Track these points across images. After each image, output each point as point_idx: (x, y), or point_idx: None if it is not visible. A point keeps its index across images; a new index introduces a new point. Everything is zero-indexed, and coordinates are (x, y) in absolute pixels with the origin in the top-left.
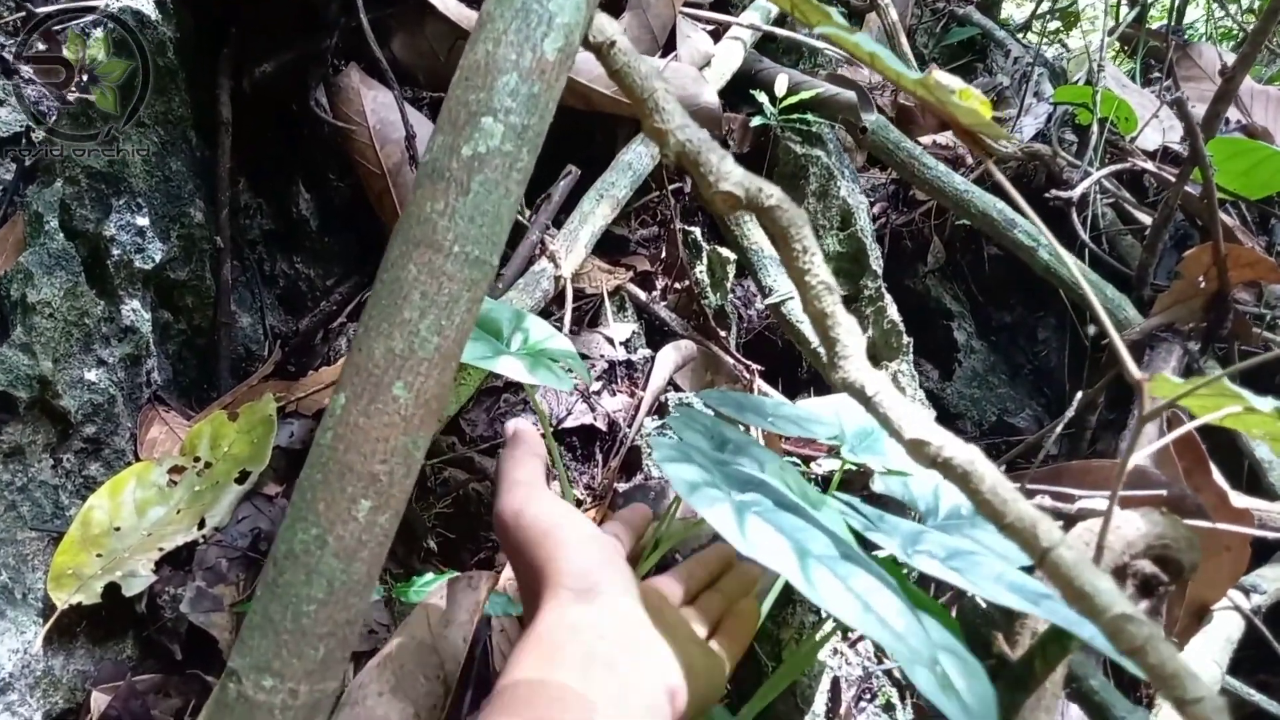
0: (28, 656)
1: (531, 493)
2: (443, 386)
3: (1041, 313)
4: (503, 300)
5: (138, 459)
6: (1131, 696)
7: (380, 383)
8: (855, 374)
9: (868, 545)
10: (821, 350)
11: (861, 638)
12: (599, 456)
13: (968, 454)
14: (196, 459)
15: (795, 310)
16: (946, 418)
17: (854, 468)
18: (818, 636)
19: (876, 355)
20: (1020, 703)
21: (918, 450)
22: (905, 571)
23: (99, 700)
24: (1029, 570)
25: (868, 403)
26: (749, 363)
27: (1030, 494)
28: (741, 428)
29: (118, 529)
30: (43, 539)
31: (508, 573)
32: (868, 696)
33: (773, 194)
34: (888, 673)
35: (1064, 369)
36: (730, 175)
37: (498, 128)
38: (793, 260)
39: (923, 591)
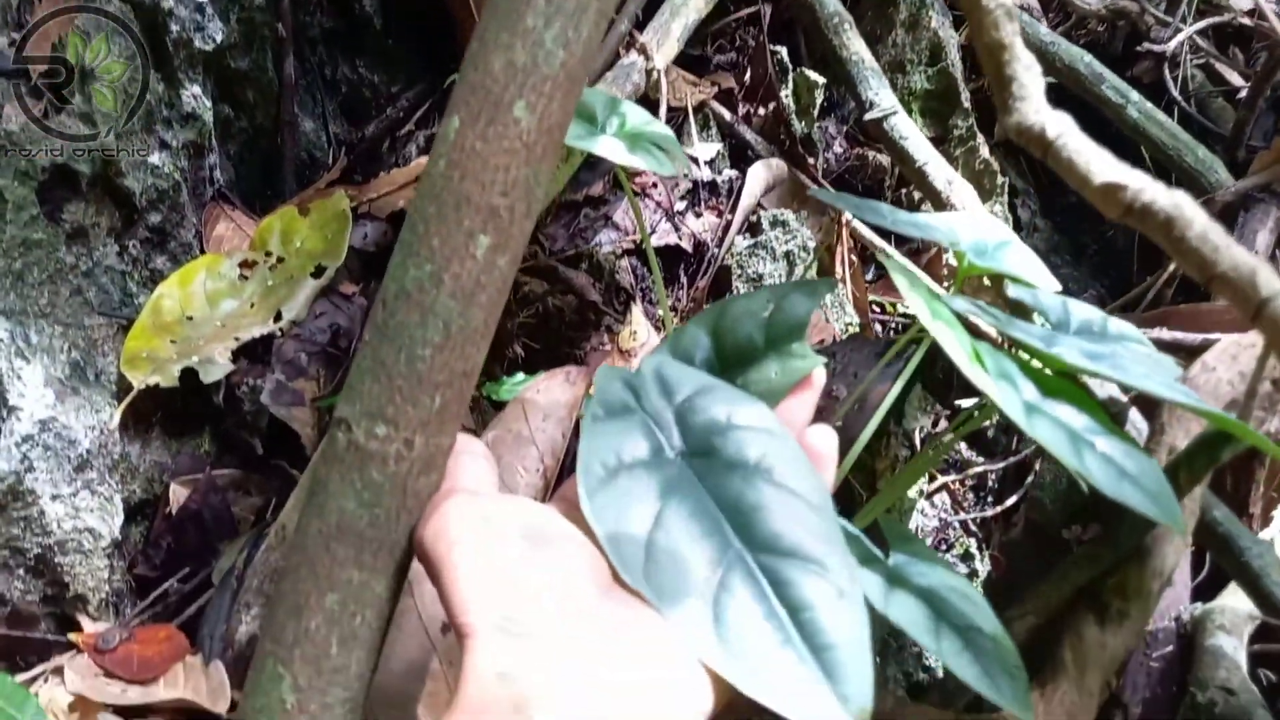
0: (104, 436)
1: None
2: (566, 114)
3: None
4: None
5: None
6: None
7: (500, 101)
8: (1034, 115)
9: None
10: (994, 91)
11: (938, 490)
12: (683, 279)
13: (1171, 197)
14: (268, 254)
15: (900, 125)
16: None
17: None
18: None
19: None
20: None
21: (1110, 198)
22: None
23: (178, 493)
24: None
25: (1048, 148)
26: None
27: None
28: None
29: (190, 318)
30: (111, 325)
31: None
32: (944, 547)
33: None
34: (964, 524)
35: (1133, 250)
36: None
37: None
38: None
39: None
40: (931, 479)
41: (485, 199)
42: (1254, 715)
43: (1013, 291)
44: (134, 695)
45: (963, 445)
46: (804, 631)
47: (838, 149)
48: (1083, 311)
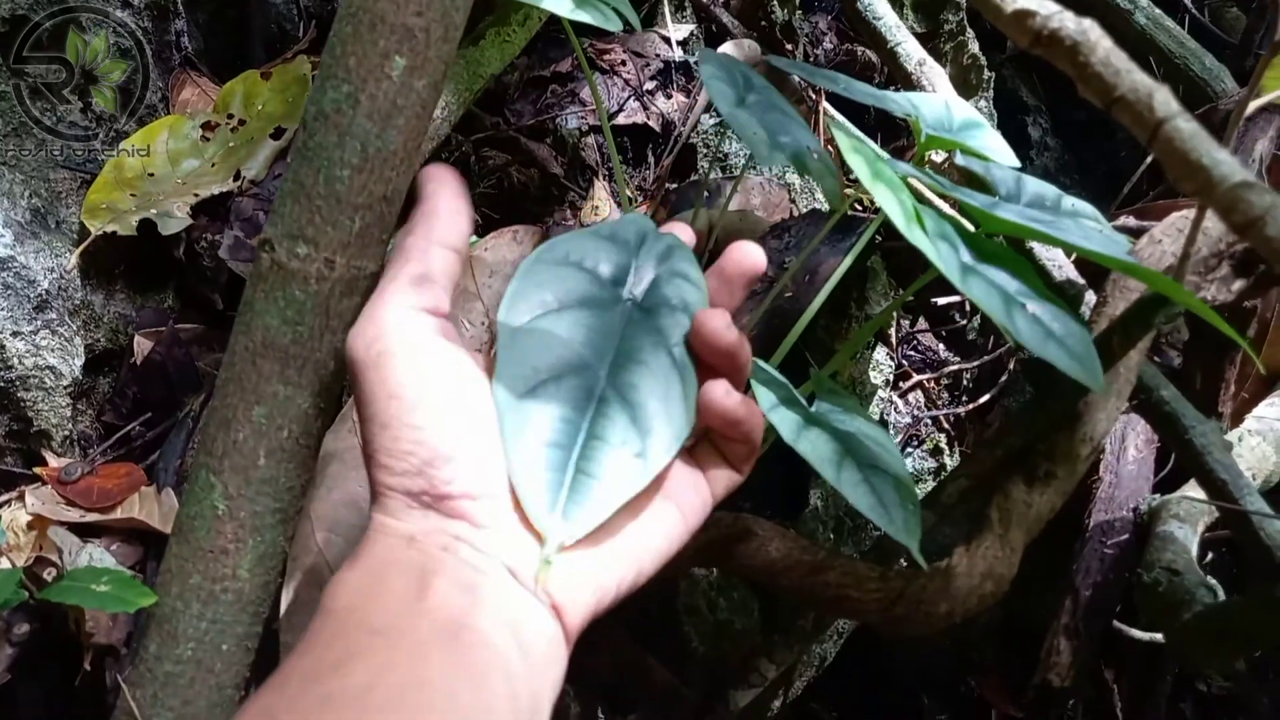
0: (64, 279)
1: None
2: None
3: None
4: None
5: None
6: None
7: None
8: None
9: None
10: None
11: (913, 387)
12: (650, 159)
13: (1078, 24)
14: (230, 116)
15: (875, 5)
16: None
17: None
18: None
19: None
20: None
21: (1020, 25)
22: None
23: (142, 344)
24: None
25: None
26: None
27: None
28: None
29: (151, 175)
30: (75, 179)
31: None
32: (915, 443)
33: None
34: (935, 420)
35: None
36: None
37: None
38: None
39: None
40: (907, 377)
41: (400, 18)
42: (1195, 594)
43: (962, 160)
44: (92, 518)
45: (940, 345)
46: (583, 461)
47: (828, 45)
48: (1037, 187)
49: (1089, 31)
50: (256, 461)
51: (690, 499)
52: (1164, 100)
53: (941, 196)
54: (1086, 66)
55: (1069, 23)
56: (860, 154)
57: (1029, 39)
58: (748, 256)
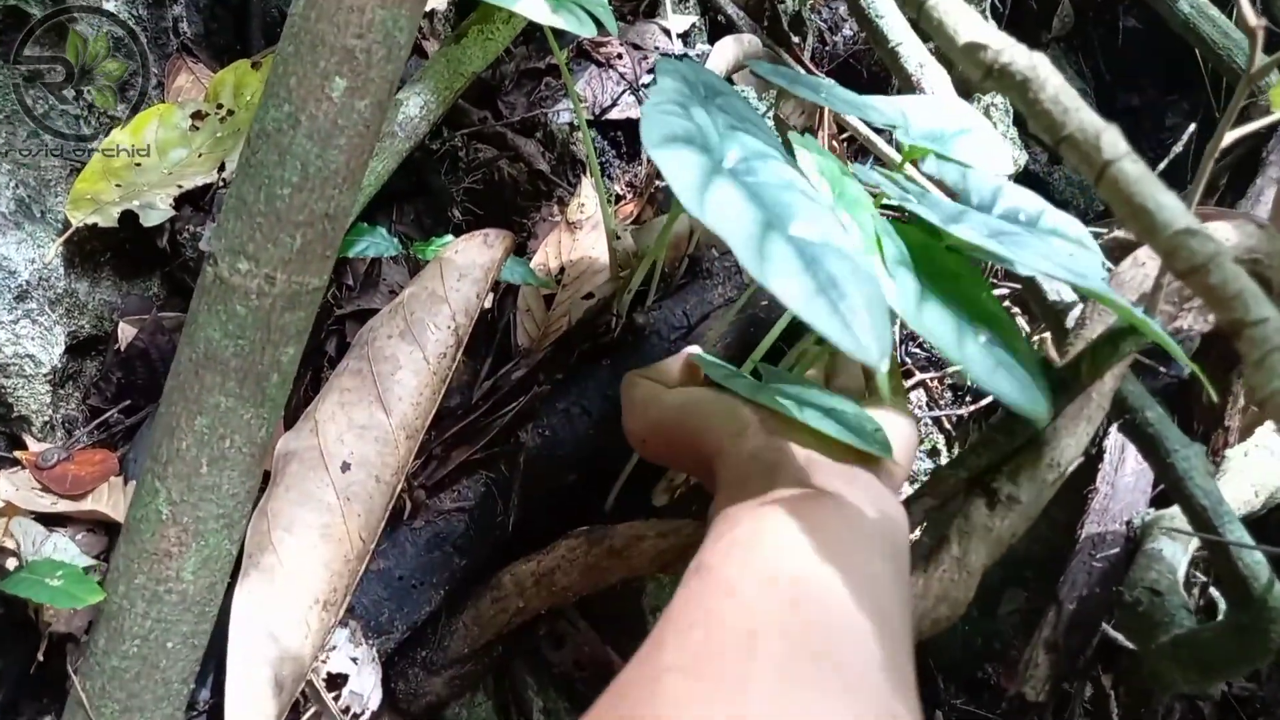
0: (45, 270)
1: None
2: None
3: (1174, 96)
4: None
5: None
6: None
7: None
8: None
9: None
10: None
11: (916, 386)
12: (644, 154)
13: (1029, 59)
14: (220, 106)
15: (877, 3)
16: (1052, 204)
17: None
18: None
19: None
20: (1062, 408)
21: (971, 57)
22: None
23: (125, 331)
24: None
25: (920, 9)
26: (821, 75)
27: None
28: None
29: (139, 164)
30: (65, 166)
31: (543, 248)
32: None
33: None
34: (936, 420)
35: (1188, 158)
36: None
37: None
38: None
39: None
40: (909, 375)
41: (340, 40)
42: (1175, 617)
43: (931, 168)
44: (60, 507)
45: None
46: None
47: (847, 32)
48: (1017, 199)
49: (1039, 67)
50: (199, 469)
51: None
52: (1111, 141)
53: (897, 211)
54: (1036, 102)
55: (1020, 58)
56: (825, 174)
57: (980, 71)
58: None
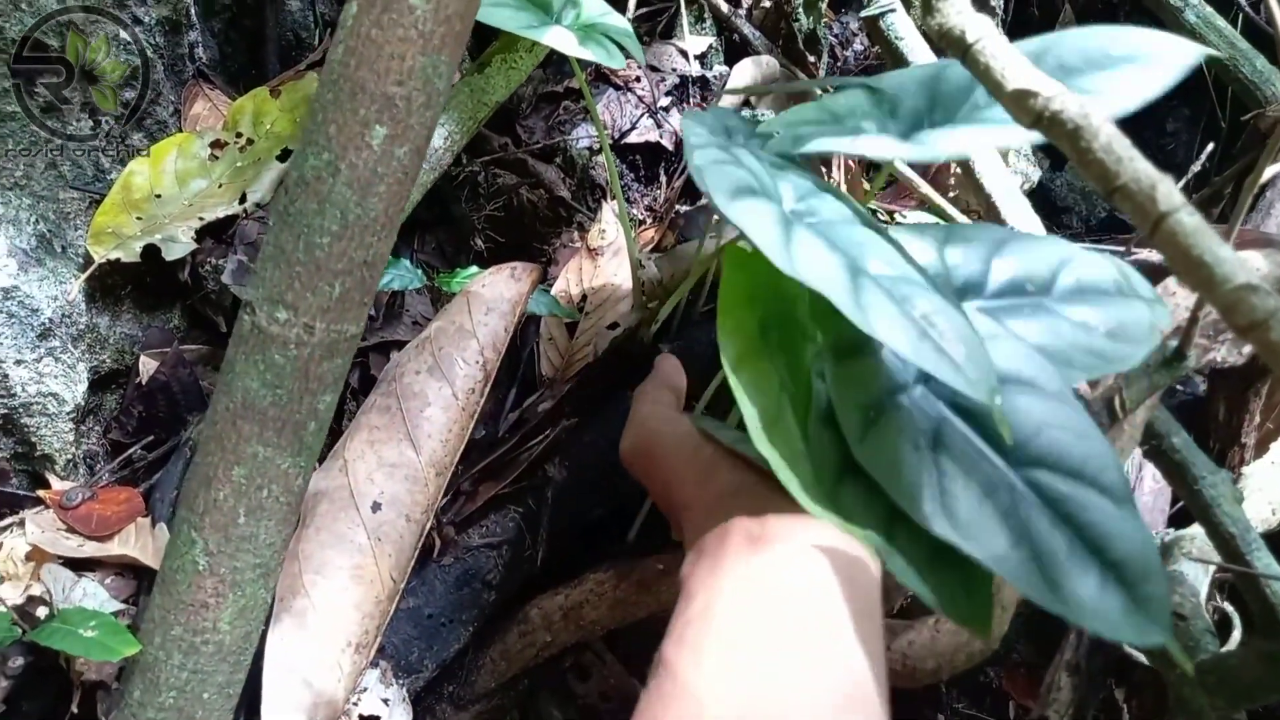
0: (67, 306)
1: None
2: (467, 2)
3: (1174, 102)
4: None
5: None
6: None
7: None
8: (955, 17)
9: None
10: None
11: None
12: (663, 177)
13: (1080, 107)
14: (239, 135)
15: (896, 25)
16: (1053, 210)
17: None
18: None
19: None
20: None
21: (1020, 104)
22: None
23: (147, 364)
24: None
25: (966, 52)
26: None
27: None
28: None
29: (158, 196)
30: (84, 199)
31: (565, 274)
32: None
33: None
34: None
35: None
36: None
37: None
38: None
39: None
40: None
41: (380, 87)
42: (1200, 642)
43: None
44: (88, 550)
45: None
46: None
47: (858, 46)
48: (1023, 263)
49: (1091, 116)
50: (236, 520)
51: None
52: (1167, 192)
53: None
54: (1088, 152)
55: (1071, 105)
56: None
57: (1030, 118)
58: None
